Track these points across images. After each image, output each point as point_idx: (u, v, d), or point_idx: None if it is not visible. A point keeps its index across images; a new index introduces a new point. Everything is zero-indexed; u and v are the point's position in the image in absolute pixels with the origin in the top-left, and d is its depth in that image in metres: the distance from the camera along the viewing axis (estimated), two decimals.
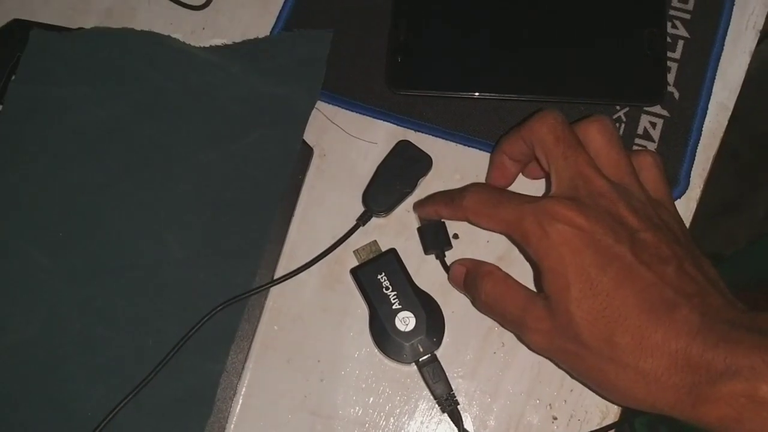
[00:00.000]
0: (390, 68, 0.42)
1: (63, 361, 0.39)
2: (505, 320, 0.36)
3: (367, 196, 0.41)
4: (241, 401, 0.39)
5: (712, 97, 0.42)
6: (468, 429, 0.38)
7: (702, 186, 0.42)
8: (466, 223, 0.41)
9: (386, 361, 0.39)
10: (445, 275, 0.40)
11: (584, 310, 0.31)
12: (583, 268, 0.31)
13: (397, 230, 0.41)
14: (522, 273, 0.39)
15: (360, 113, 0.43)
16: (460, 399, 0.39)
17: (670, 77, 0.42)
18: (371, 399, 0.39)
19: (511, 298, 0.35)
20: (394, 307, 0.39)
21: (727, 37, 0.43)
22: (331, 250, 0.40)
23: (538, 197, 0.34)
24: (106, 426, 0.37)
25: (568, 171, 0.34)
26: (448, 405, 0.38)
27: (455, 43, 0.42)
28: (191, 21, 0.45)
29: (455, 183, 0.42)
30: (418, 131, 0.42)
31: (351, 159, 0.42)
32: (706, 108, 0.42)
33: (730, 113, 0.43)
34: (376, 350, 0.39)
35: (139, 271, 0.40)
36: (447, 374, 0.38)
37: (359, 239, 0.41)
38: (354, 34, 0.43)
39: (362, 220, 0.41)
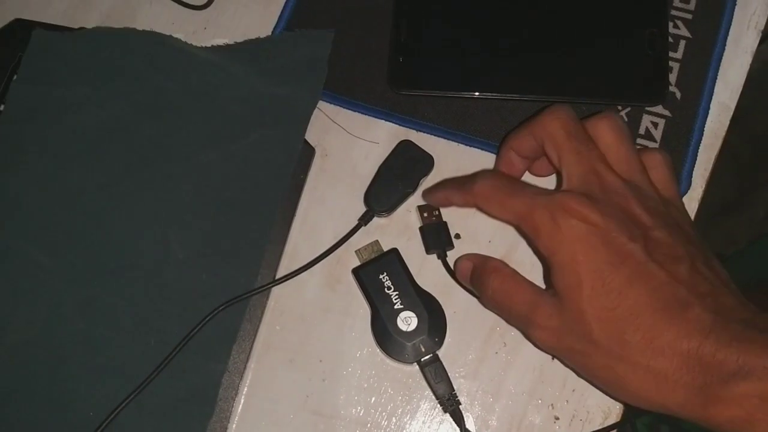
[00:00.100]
0: (391, 68, 0.42)
1: (64, 361, 0.39)
2: (511, 317, 0.36)
3: (369, 196, 0.41)
4: (242, 401, 0.39)
5: (713, 97, 0.42)
6: (470, 429, 0.38)
7: (704, 186, 0.42)
8: (467, 222, 0.41)
9: (388, 361, 0.39)
10: (447, 275, 0.40)
11: (596, 307, 0.31)
12: (596, 265, 0.31)
13: (399, 230, 0.41)
14: (524, 273, 0.39)
15: (362, 113, 0.43)
16: (462, 399, 0.39)
17: (672, 77, 0.42)
18: (373, 399, 0.39)
19: (518, 295, 0.34)
20: (395, 307, 0.39)
21: (729, 37, 0.43)
22: (333, 250, 0.40)
23: (552, 190, 0.34)
24: (108, 426, 0.37)
25: (580, 167, 0.33)
26: (450, 405, 0.38)
27: (456, 43, 0.42)
28: (193, 21, 0.45)
29: None
30: (420, 131, 0.42)
31: (353, 159, 0.42)
32: (708, 108, 0.42)
33: (731, 113, 0.43)
34: (378, 350, 0.39)
35: (140, 271, 0.40)
36: (449, 374, 0.38)
37: (361, 239, 0.41)
38: (355, 34, 0.43)
39: (364, 219, 0.41)
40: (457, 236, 0.41)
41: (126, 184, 0.41)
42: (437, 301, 0.39)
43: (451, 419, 0.38)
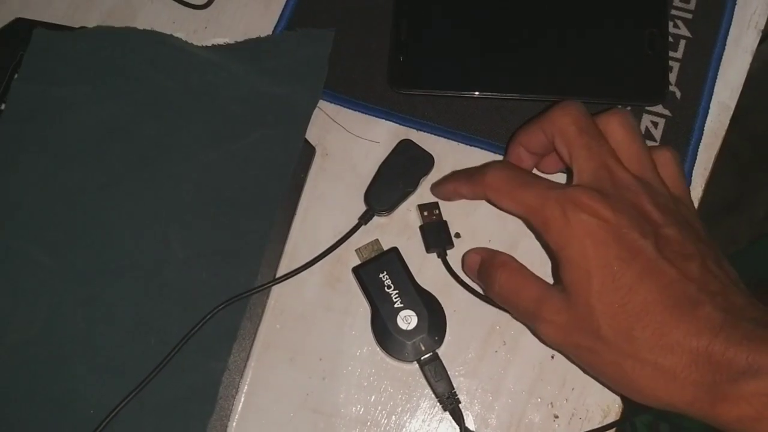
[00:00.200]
0: (392, 67, 0.42)
1: (65, 360, 0.39)
2: (518, 312, 0.35)
3: (369, 195, 0.41)
4: (243, 399, 0.39)
5: (713, 96, 0.42)
6: (470, 427, 0.38)
7: (704, 185, 0.42)
8: (467, 221, 0.41)
9: (388, 359, 0.39)
10: (447, 274, 0.40)
11: (605, 303, 0.31)
12: (606, 260, 0.31)
13: (399, 229, 0.41)
14: None
15: (362, 112, 0.43)
16: (461, 397, 0.39)
17: (672, 77, 0.42)
18: (373, 397, 0.39)
19: (525, 290, 0.34)
20: (395, 305, 0.39)
21: (729, 37, 0.43)
22: (333, 249, 0.40)
23: (563, 184, 0.34)
24: (109, 424, 0.37)
25: (591, 162, 0.33)
26: (450, 403, 0.38)
27: (457, 43, 0.42)
28: (193, 20, 0.45)
29: None
30: (420, 130, 0.42)
31: (353, 158, 0.42)
32: (708, 107, 0.42)
33: (731, 113, 0.43)
34: (378, 349, 0.39)
35: (140, 270, 0.40)
36: (449, 372, 0.39)
37: (361, 238, 0.41)
38: (356, 33, 0.43)
39: (364, 218, 0.41)
40: (457, 235, 0.41)
41: (126, 183, 0.41)
42: (437, 299, 0.39)
43: (450, 418, 0.39)
